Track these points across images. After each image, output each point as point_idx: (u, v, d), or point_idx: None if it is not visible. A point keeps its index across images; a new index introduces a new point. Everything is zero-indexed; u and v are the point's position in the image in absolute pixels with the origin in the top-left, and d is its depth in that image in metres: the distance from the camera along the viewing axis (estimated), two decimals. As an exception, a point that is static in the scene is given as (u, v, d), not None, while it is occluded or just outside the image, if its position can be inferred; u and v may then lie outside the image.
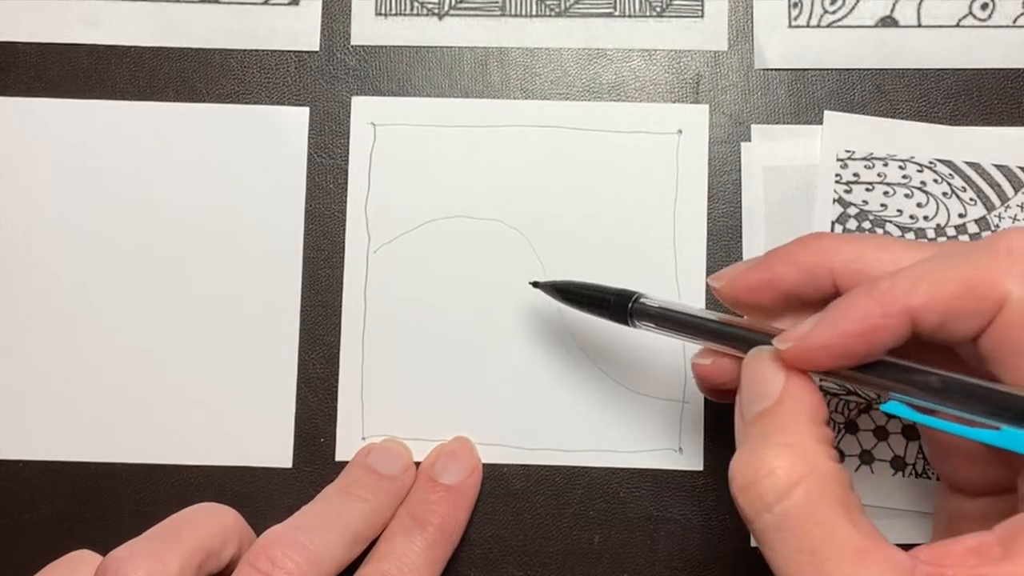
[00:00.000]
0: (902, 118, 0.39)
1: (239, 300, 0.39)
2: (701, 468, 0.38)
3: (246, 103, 0.40)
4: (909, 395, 0.27)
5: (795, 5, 0.40)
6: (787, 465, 0.26)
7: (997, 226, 0.38)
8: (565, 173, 0.39)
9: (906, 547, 0.25)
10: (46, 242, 0.40)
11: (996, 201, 0.38)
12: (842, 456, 0.38)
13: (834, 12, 0.40)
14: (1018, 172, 0.38)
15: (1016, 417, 0.25)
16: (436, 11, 0.40)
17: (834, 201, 0.39)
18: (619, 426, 0.38)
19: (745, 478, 0.27)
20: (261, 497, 0.39)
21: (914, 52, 0.40)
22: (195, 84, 0.40)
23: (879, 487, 0.37)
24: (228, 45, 0.40)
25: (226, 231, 0.40)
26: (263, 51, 0.40)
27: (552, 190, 0.39)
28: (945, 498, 0.32)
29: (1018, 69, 0.39)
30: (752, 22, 0.40)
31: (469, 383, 0.39)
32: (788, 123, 0.39)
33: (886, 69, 0.40)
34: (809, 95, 0.40)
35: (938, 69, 0.39)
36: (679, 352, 0.38)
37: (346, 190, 0.40)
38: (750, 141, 0.39)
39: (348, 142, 0.40)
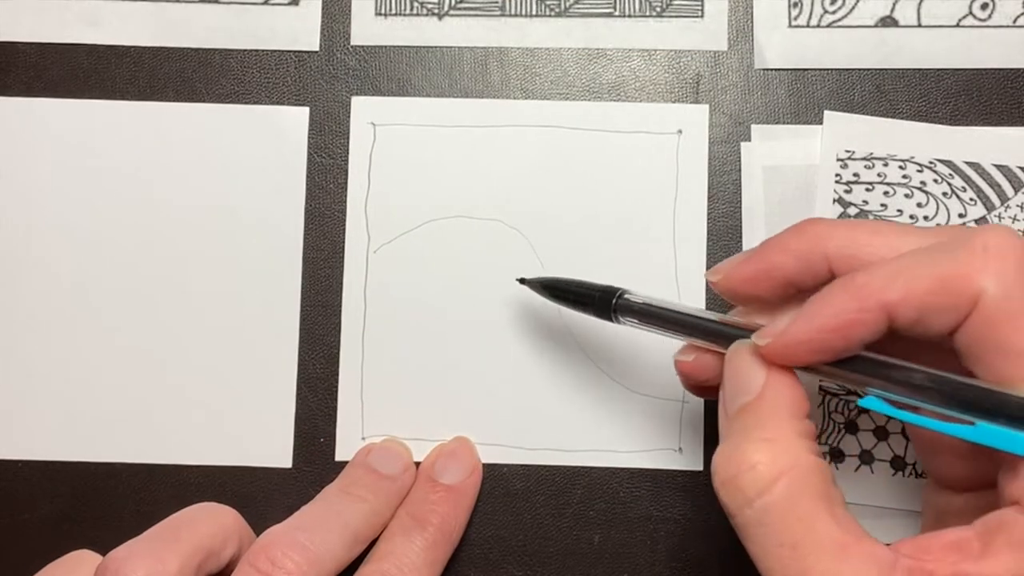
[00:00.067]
0: (902, 118, 0.39)
1: (239, 300, 0.39)
2: (701, 468, 0.38)
3: (246, 103, 0.40)
4: (886, 390, 0.27)
5: (795, 5, 0.40)
6: (768, 460, 0.26)
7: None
8: (565, 173, 0.39)
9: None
10: (46, 242, 0.40)
11: (996, 201, 0.38)
12: (842, 456, 0.38)
13: (834, 12, 0.40)
14: (1018, 172, 0.38)
15: (990, 413, 0.25)
16: (436, 11, 0.40)
17: (834, 201, 0.39)
18: (619, 426, 0.38)
19: (727, 473, 0.27)
20: (261, 497, 0.39)
21: (914, 52, 0.40)
22: (195, 84, 0.40)
23: (879, 487, 0.37)
24: (228, 45, 0.40)
25: (226, 231, 0.40)
26: (263, 51, 0.40)
27: (552, 190, 0.39)
28: (932, 494, 0.32)
29: (1018, 69, 0.39)
30: (752, 22, 0.40)
31: (469, 383, 0.39)
32: (788, 123, 0.39)
33: (886, 69, 0.40)
34: (809, 95, 0.40)
35: (938, 69, 0.39)
36: (679, 352, 0.38)
37: (346, 190, 0.40)
38: (750, 141, 0.39)
39: (348, 142, 0.40)
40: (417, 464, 0.38)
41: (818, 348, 0.27)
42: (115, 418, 0.39)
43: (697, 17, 0.40)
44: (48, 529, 0.39)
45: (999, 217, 0.38)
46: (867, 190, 0.39)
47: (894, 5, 0.40)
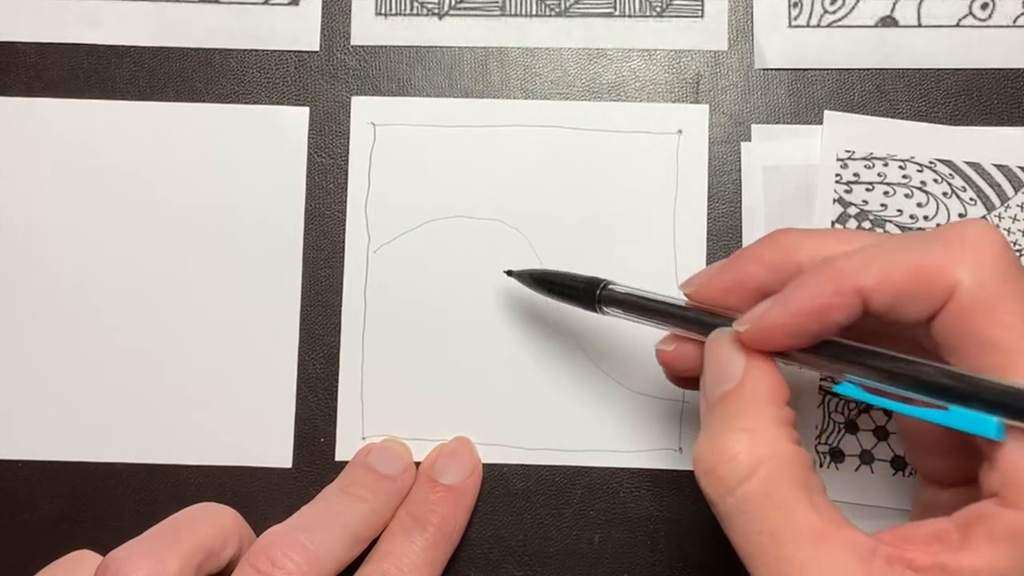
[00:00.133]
0: (902, 118, 0.39)
1: (239, 300, 0.39)
2: (701, 468, 0.38)
3: (246, 103, 0.40)
4: (861, 376, 0.28)
5: (795, 5, 0.40)
6: (747, 450, 0.27)
7: (997, 226, 0.38)
8: (565, 173, 0.39)
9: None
10: (46, 242, 0.40)
11: (996, 201, 0.38)
12: (842, 456, 0.38)
13: (834, 12, 0.40)
14: (1018, 172, 0.38)
15: (962, 397, 0.26)
16: (436, 11, 0.40)
17: (834, 201, 0.39)
18: (619, 426, 0.38)
19: (708, 463, 0.27)
20: (261, 497, 0.39)
21: (914, 52, 0.40)
22: (195, 84, 0.40)
23: (879, 487, 0.37)
24: (228, 45, 0.40)
25: (226, 231, 0.40)
26: (263, 51, 0.40)
27: (552, 190, 0.39)
28: (921, 489, 0.32)
29: (1018, 69, 0.39)
30: (752, 22, 0.40)
31: (469, 383, 0.39)
32: (788, 123, 0.39)
33: (886, 69, 0.40)
34: (809, 95, 0.40)
35: (938, 69, 0.39)
36: (679, 352, 0.38)
37: (346, 190, 0.40)
38: (750, 141, 0.39)
39: (348, 142, 0.40)
40: (417, 464, 0.38)
41: (795, 332, 0.28)
42: (115, 418, 0.39)
43: (697, 17, 0.40)
44: (48, 529, 0.39)
45: (999, 217, 0.38)
46: (867, 190, 0.39)
47: (894, 5, 0.40)
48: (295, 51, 0.40)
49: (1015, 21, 0.39)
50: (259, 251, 0.40)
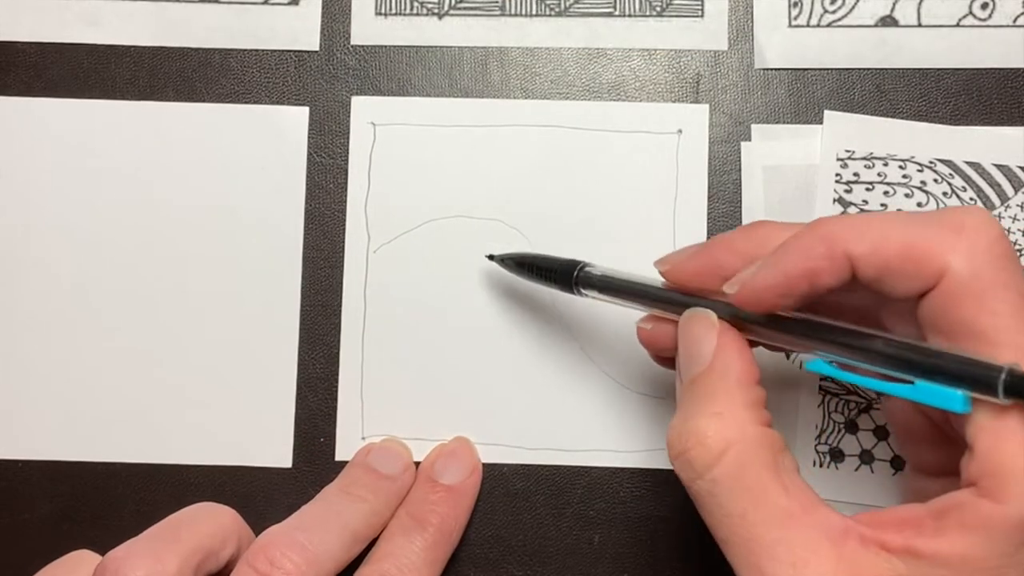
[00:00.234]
0: (902, 118, 0.39)
1: (239, 300, 0.39)
2: (701, 468, 0.38)
3: (246, 103, 0.40)
4: (831, 352, 0.28)
5: (795, 5, 0.40)
6: (715, 434, 0.27)
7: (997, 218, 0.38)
8: (565, 173, 0.39)
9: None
10: (46, 242, 0.40)
11: (996, 201, 0.38)
12: (842, 456, 0.38)
13: (834, 12, 0.40)
14: (1018, 172, 0.38)
15: (928, 371, 0.26)
16: (436, 11, 0.40)
17: (834, 201, 0.39)
18: (619, 426, 0.38)
19: (680, 446, 0.28)
20: (261, 497, 0.39)
21: (914, 52, 0.39)
22: (195, 84, 0.40)
23: (879, 487, 0.37)
24: (228, 45, 0.40)
25: (226, 231, 0.40)
26: (263, 51, 0.40)
27: (552, 190, 0.39)
28: (911, 478, 0.33)
29: (1018, 69, 0.39)
30: (752, 22, 0.40)
31: (469, 383, 0.39)
32: (788, 123, 0.39)
33: (886, 69, 0.40)
34: (809, 95, 0.40)
35: (938, 69, 0.39)
36: (679, 352, 0.38)
37: (346, 190, 0.40)
38: (750, 141, 0.39)
39: (348, 142, 0.40)
40: (417, 464, 0.38)
41: (784, 292, 0.28)
42: (115, 418, 0.39)
43: (697, 17, 0.40)
44: (48, 529, 0.39)
45: (999, 217, 0.38)
46: (867, 190, 0.39)
47: (894, 5, 0.40)
48: (295, 51, 0.40)
49: (1015, 21, 0.39)
50: (259, 251, 0.40)
